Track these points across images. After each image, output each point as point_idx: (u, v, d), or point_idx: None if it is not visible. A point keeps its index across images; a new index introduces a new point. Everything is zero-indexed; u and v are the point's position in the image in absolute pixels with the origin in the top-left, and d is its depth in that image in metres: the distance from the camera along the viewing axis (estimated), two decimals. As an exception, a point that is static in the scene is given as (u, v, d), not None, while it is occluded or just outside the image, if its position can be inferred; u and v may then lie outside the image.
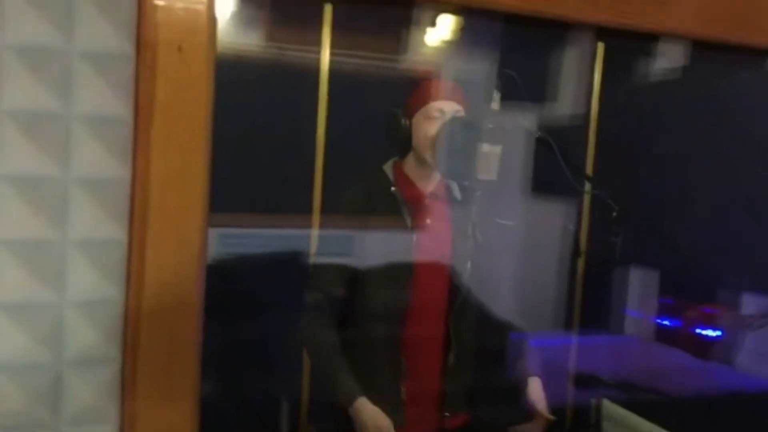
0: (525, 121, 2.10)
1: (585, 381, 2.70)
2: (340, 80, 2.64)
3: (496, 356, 2.08)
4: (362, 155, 2.19)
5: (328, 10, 2.48)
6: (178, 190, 1.19)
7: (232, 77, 2.58)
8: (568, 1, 1.59)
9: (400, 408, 1.92)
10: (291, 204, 2.63)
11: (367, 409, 1.83)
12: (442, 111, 1.92)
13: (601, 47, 2.67)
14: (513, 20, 1.65)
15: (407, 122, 1.95)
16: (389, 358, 1.94)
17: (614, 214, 2.41)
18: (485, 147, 1.87)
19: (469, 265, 1.98)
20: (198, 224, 1.19)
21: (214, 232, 1.89)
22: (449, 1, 1.77)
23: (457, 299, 1.96)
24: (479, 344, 2.02)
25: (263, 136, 2.67)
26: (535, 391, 1.99)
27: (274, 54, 2.68)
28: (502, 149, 1.88)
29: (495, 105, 1.92)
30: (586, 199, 2.80)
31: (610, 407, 2.16)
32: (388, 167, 2.02)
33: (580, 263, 2.73)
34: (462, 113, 1.94)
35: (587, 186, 2.21)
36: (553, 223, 2.84)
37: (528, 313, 2.86)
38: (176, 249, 1.18)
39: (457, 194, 2.03)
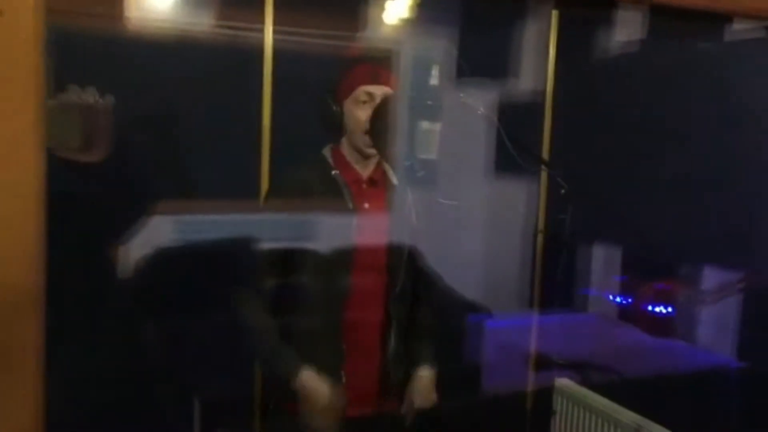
0: (467, 98, 2.06)
1: (540, 362, 2.70)
2: (286, 60, 2.57)
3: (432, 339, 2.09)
4: (309, 138, 2.14)
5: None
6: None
7: (174, 58, 2.54)
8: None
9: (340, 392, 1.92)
10: (238, 189, 2.57)
11: (312, 380, 1.86)
12: (370, 94, 1.91)
13: (555, 15, 2.60)
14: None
15: (338, 107, 1.95)
16: (329, 343, 1.94)
17: (562, 191, 2.38)
18: (424, 125, 1.81)
19: (406, 247, 1.98)
20: (33, 207, 1.05)
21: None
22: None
23: (396, 283, 1.96)
24: (416, 327, 2.05)
25: (208, 119, 2.60)
26: (418, 381, 2.01)
27: (217, 33, 2.59)
28: (441, 127, 1.83)
29: (434, 81, 1.85)
30: (543, 177, 2.75)
31: (567, 386, 2.13)
32: (326, 151, 2.01)
33: (539, 242, 2.70)
34: (392, 96, 1.93)
35: (534, 164, 2.17)
36: (506, 202, 2.80)
37: (484, 292, 2.85)
38: (5, 236, 1.03)
39: (393, 178, 2.02)
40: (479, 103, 2.22)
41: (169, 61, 2.47)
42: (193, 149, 2.56)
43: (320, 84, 2.05)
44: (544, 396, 2.09)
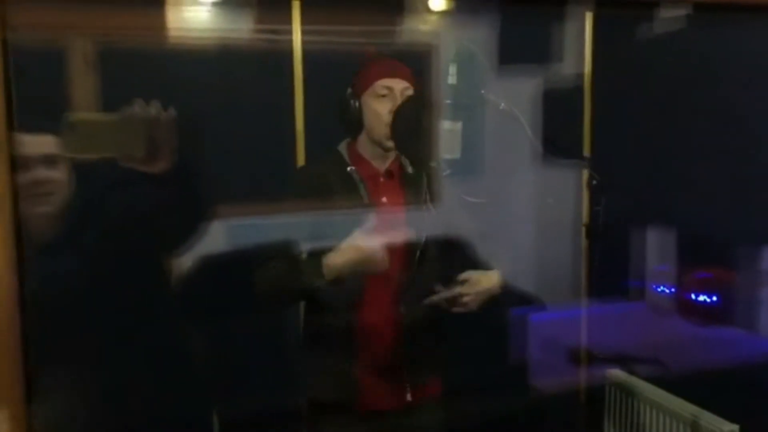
0: (488, 95, 2.03)
1: (580, 356, 2.66)
2: (317, 61, 2.57)
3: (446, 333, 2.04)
4: (337, 134, 2.14)
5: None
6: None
7: (208, 66, 2.56)
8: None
9: (354, 387, 1.93)
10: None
11: (337, 255, 1.80)
12: (390, 88, 1.90)
13: (589, 17, 2.56)
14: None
15: (356, 102, 1.93)
16: (344, 337, 1.93)
17: (594, 182, 2.34)
18: (446, 124, 1.80)
19: (423, 242, 1.95)
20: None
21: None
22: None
23: (411, 277, 1.94)
24: (432, 321, 2.00)
25: (245, 123, 2.62)
26: (483, 277, 1.95)
27: (251, 39, 2.60)
28: (463, 125, 1.81)
29: (452, 79, 1.83)
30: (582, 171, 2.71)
31: (619, 377, 2.09)
32: (342, 147, 1.99)
33: (582, 235, 2.65)
34: (410, 90, 1.91)
35: (563, 155, 2.14)
36: (552, 194, 2.76)
37: (531, 286, 2.81)
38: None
39: (410, 169, 2.00)
40: (507, 97, 2.19)
41: (204, 70, 2.49)
42: (231, 153, 2.57)
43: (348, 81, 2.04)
44: (596, 389, 2.05)
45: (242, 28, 2.51)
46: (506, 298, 2.02)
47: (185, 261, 2.24)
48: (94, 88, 2.33)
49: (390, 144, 1.91)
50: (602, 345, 2.62)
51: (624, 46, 2.70)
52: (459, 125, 1.85)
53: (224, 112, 2.55)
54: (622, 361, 2.50)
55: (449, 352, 2.03)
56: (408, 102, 1.88)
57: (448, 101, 1.92)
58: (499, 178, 2.53)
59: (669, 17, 2.25)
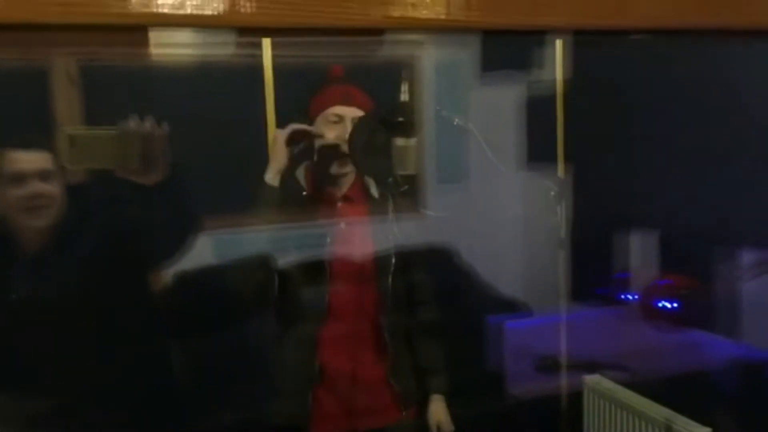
0: (443, 110, 2.05)
1: (545, 363, 2.70)
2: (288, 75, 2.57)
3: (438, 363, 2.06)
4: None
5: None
6: None
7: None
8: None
9: (307, 411, 1.92)
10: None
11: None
12: (341, 117, 1.90)
13: (559, 44, 2.61)
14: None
15: (309, 124, 1.94)
16: (308, 359, 1.92)
17: (552, 193, 2.40)
18: (399, 141, 1.81)
19: (392, 262, 1.95)
20: None
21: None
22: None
23: (385, 297, 1.95)
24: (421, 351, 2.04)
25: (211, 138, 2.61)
26: (437, 411, 2.02)
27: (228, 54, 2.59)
28: (417, 141, 1.83)
29: (405, 96, 1.85)
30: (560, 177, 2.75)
31: (597, 383, 2.13)
32: (300, 172, 1.98)
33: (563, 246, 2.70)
34: (369, 115, 1.91)
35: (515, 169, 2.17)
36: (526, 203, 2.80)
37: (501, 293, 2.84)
38: None
39: (375, 192, 1.99)
40: (458, 113, 2.21)
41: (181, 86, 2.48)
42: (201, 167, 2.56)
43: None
44: (575, 395, 2.08)
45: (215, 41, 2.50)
46: (484, 306, 2.05)
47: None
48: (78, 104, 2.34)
49: (341, 170, 1.92)
50: (574, 351, 2.67)
51: (597, 62, 2.76)
52: (413, 141, 1.85)
53: (194, 126, 2.53)
54: (589, 367, 2.54)
55: (423, 363, 2.04)
56: (360, 124, 1.88)
57: (400, 119, 1.91)
58: (466, 190, 2.55)
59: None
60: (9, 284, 1.70)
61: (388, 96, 1.94)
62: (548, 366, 2.69)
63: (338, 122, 1.89)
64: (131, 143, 1.51)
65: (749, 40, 1.90)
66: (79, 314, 1.72)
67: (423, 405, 2.03)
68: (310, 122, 1.93)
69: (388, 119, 1.86)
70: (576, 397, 2.15)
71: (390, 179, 1.97)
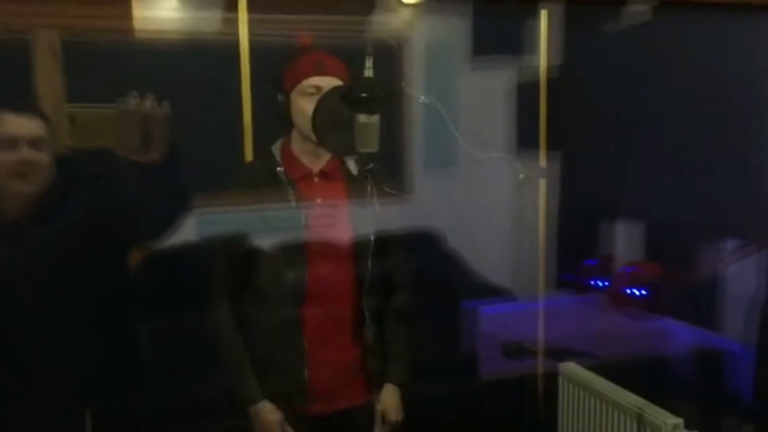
0: (407, 87, 2.01)
1: (511, 348, 2.72)
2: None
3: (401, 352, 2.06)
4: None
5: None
6: None
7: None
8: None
9: (303, 391, 1.92)
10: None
11: (267, 412, 1.89)
12: (318, 87, 1.86)
13: (544, 14, 2.59)
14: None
15: (284, 99, 1.89)
16: (290, 341, 1.91)
17: (521, 176, 2.42)
18: (362, 118, 1.78)
19: (371, 244, 1.94)
20: None
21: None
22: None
23: (365, 276, 1.94)
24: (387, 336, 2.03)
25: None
26: (387, 400, 2.02)
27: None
28: (380, 119, 1.79)
29: (369, 72, 1.81)
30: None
31: (572, 370, 2.15)
32: (276, 147, 1.96)
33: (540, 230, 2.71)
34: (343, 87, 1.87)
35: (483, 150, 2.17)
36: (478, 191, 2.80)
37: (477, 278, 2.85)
38: None
39: (353, 170, 1.98)
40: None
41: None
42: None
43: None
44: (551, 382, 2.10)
45: (191, 17, 2.44)
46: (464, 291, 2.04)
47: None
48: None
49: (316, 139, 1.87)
50: (545, 337, 2.70)
51: (586, 41, 2.74)
52: (375, 118, 1.81)
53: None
54: (556, 353, 2.57)
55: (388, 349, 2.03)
56: (328, 96, 1.84)
57: (364, 95, 1.87)
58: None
59: (632, 12, 2.29)
60: None
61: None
62: (513, 351, 2.72)
63: (315, 93, 1.85)
64: (131, 122, 1.53)
65: (755, 17, 1.90)
66: (56, 285, 1.73)
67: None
68: (286, 97, 1.88)
69: (350, 95, 1.82)
70: (538, 381, 2.17)
71: (355, 156, 1.96)
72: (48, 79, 2.33)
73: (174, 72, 2.49)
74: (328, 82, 1.85)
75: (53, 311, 1.74)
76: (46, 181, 1.71)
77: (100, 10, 2.22)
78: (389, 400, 2.02)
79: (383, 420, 2.02)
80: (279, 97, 1.89)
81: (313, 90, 1.85)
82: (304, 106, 1.85)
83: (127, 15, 2.11)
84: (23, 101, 1.78)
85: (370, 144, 1.82)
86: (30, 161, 1.68)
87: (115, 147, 1.56)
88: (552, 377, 2.17)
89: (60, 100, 2.31)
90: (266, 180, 1.90)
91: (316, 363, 1.92)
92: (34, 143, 1.68)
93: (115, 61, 2.36)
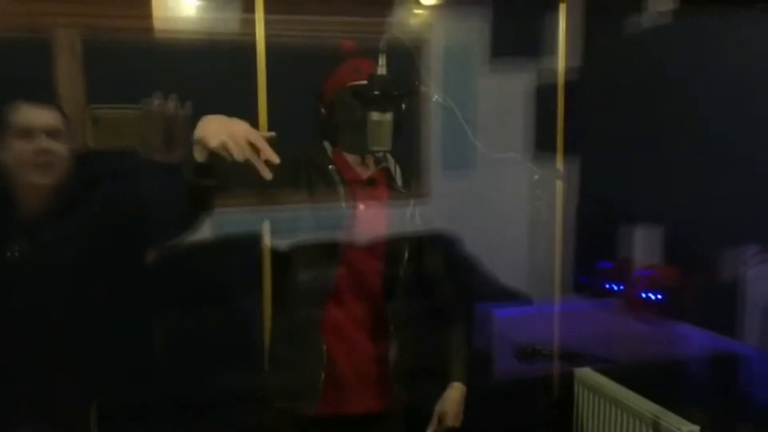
0: (422, 86, 2.01)
1: (524, 352, 2.70)
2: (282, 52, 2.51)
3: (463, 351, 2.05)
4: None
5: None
6: None
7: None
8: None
9: (317, 392, 1.90)
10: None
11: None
12: None
13: (563, 8, 2.57)
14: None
15: (326, 109, 1.91)
16: (310, 342, 1.90)
17: (536, 177, 2.40)
18: (375, 116, 1.77)
19: (406, 252, 1.95)
20: None
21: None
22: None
23: (395, 285, 1.93)
24: (419, 330, 2.03)
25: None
26: (450, 399, 1.98)
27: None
28: (393, 116, 1.79)
29: (381, 70, 1.81)
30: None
31: (587, 375, 2.14)
32: (327, 144, 1.95)
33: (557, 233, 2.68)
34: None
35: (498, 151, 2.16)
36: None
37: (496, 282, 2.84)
38: None
39: (399, 178, 1.98)
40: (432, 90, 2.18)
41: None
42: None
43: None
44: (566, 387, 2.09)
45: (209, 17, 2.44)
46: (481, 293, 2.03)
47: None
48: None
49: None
50: (558, 341, 2.68)
51: (608, 42, 2.71)
52: (388, 116, 1.80)
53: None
54: (570, 357, 2.55)
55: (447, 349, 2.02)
56: (336, 97, 1.84)
57: (376, 92, 1.86)
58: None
59: (655, 12, 2.26)
60: (5, 242, 1.71)
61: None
62: (527, 355, 2.71)
63: None
64: (155, 123, 1.54)
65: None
66: (70, 280, 1.74)
67: (434, 392, 2.01)
68: (327, 105, 1.88)
69: (362, 93, 1.82)
70: (553, 385, 2.16)
71: (367, 155, 1.95)
72: (68, 78, 2.34)
73: (192, 72, 2.48)
74: None
75: (65, 305, 1.74)
76: (64, 176, 1.71)
77: (119, 9, 2.23)
78: (452, 401, 1.99)
79: (439, 422, 1.98)
80: (322, 110, 1.90)
81: None
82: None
83: (147, 15, 2.13)
84: (40, 94, 1.78)
85: (383, 142, 1.82)
86: (47, 150, 1.68)
87: (139, 148, 1.57)
88: (567, 381, 2.15)
89: (81, 100, 2.32)
90: (317, 174, 1.89)
91: (337, 363, 1.91)
92: (51, 134, 1.69)
93: (133, 61, 2.36)
